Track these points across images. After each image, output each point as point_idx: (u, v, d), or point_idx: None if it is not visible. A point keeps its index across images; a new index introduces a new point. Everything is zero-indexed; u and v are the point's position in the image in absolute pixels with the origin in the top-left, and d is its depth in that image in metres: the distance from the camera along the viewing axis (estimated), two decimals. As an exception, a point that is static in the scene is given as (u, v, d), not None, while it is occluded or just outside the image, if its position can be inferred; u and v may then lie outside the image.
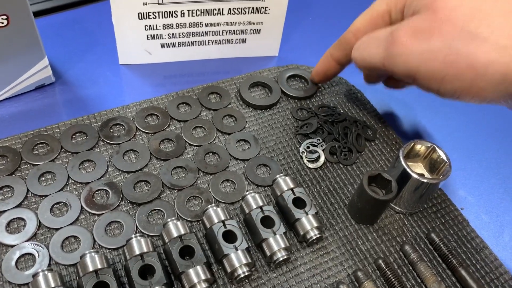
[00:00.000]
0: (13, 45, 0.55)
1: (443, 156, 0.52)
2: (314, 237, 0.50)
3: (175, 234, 0.47)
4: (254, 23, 0.67)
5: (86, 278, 0.43)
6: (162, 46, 0.66)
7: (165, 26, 0.64)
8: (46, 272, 0.43)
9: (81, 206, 0.51)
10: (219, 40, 0.68)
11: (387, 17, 0.50)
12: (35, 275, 0.43)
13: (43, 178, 0.53)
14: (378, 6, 0.51)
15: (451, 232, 0.54)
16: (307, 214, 0.50)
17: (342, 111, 0.65)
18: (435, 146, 0.53)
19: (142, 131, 0.59)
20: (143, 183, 0.54)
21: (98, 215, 0.50)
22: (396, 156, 0.53)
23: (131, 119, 0.60)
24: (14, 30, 0.53)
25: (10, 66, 0.57)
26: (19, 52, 0.56)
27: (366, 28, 0.52)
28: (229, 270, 0.46)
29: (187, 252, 0.46)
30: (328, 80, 0.64)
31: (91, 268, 0.43)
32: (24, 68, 0.59)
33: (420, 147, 0.54)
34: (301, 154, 0.59)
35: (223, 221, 0.48)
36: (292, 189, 0.51)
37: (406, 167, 0.50)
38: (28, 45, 0.56)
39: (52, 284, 0.42)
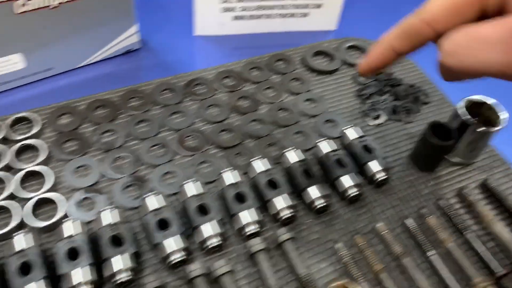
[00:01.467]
0: (110, 10, 0.63)
1: (497, 110, 0.57)
2: (381, 179, 0.55)
3: (261, 170, 0.53)
4: (316, -2, 0.74)
5: (190, 200, 0.50)
6: (234, 18, 0.74)
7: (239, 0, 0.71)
8: (153, 195, 0.50)
9: (175, 148, 0.58)
10: (284, 13, 0.75)
11: (477, 5, 0.38)
12: (145, 197, 0.50)
13: (140, 125, 0.60)
14: None
15: (503, 181, 0.59)
16: (375, 158, 0.56)
17: (399, 77, 0.71)
18: (488, 101, 0.58)
19: (221, 90, 0.66)
20: (227, 131, 0.61)
21: (191, 156, 0.57)
22: (454, 110, 0.58)
23: (211, 80, 0.67)
24: (114, -3, 0.61)
25: (105, 30, 0.65)
26: (114, 17, 0.64)
27: (447, 18, 0.40)
28: (309, 200, 0.52)
29: (272, 184, 0.53)
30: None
31: (191, 193, 0.50)
32: (117, 33, 0.66)
33: (476, 102, 0.59)
34: (364, 112, 0.65)
35: (301, 161, 0.55)
36: (361, 137, 0.58)
37: (463, 117, 0.56)
38: (123, 11, 0.64)
39: (159, 204, 0.49)
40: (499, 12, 0.37)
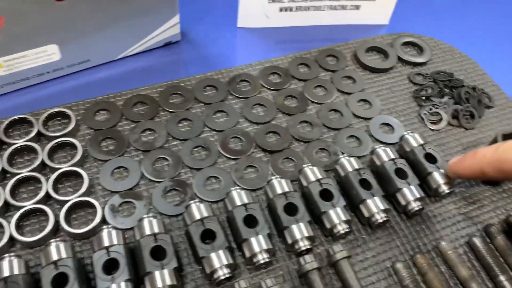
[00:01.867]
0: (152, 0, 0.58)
1: None
2: (446, 191, 0.50)
3: (313, 178, 0.49)
4: (370, -11, 0.68)
5: (237, 210, 0.45)
6: (281, 10, 0.69)
7: (287, -11, 0.66)
8: (198, 203, 0.46)
9: (219, 150, 0.53)
10: (334, 5, 0.70)
11: None
12: (188, 206, 0.46)
13: (181, 124, 0.56)
14: None
15: None
16: (439, 168, 0.50)
17: (459, 77, 0.65)
18: None
19: (267, 88, 0.61)
20: (273, 134, 0.56)
21: (235, 159, 0.53)
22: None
23: (255, 76, 0.62)
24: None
25: (145, 20, 0.61)
26: (156, 7, 0.60)
27: None
28: (366, 215, 0.47)
29: (325, 195, 0.48)
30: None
31: (239, 202, 0.46)
32: (157, 24, 0.62)
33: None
34: (422, 116, 0.59)
35: (357, 170, 0.50)
36: (422, 145, 0.52)
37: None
38: (166, 0, 0.60)
39: (205, 214, 0.45)
40: None
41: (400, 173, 0.50)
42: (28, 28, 0.53)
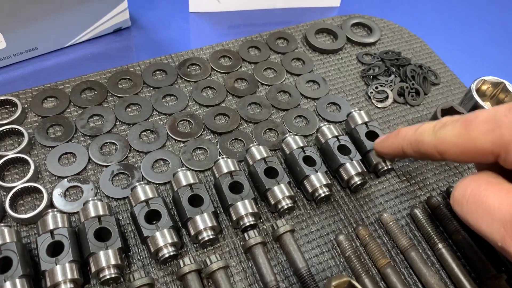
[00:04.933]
0: (98, -15, 0.58)
1: (514, 91, 0.53)
2: (386, 168, 0.52)
3: (258, 157, 0.50)
4: (319, -28, 0.69)
5: (182, 190, 0.46)
6: (231, -7, 0.69)
7: (236, -27, 0.66)
8: (143, 184, 0.46)
9: (167, 133, 0.54)
10: (285, -11, 0.71)
11: (491, 158, 0.36)
12: (133, 188, 0.47)
13: (130, 109, 0.56)
14: (480, 140, 0.36)
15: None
16: (380, 145, 0.52)
17: (407, 56, 0.67)
18: (504, 82, 0.54)
19: (217, 71, 0.62)
20: (222, 116, 0.57)
21: (184, 142, 0.54)
22: (466, 91, 0.54)
23: (206, 60, 0.62)
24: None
25: (93, 7, 0.60)
26: (103, -7, 0.60)
27: (457, 155, 0.39)
28: (310, 190, 0.49)
29: (270, 173, 0.49)
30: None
31: (184, 183, 0.47)
32: (105, 10, 0.62)
33: (489, 84, 0.55)
34: (369, 94, 0.61)
35: (302, 147, 0.51)
36: (366, 123, 0.54)
37: (477, 100, 0.52)
38: (111, -13, 0.60)
39: (150, 195, 0.46)
40: None
41: (343, 149, 0.51)
42: (-32, 16, 0.52)
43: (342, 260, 0.47)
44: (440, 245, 0.47)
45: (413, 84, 0.61)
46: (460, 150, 0.38)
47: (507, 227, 0.32)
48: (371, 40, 0.68)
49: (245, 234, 0.45)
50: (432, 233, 0.48)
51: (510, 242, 0.32)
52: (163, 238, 0.43)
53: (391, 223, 0.49)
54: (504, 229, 0.32)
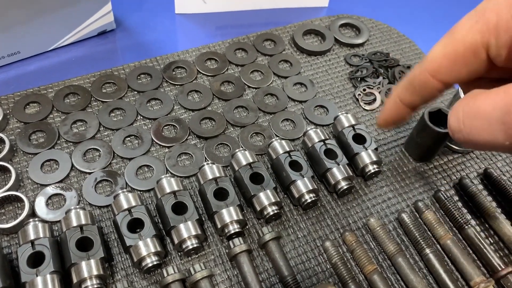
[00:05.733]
0: (81, -12, 0.57)
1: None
2: (373, 171, 0.51)
3: (244, 162, 0.49)
4: (307, -28, 0.68)
5: (166, 198, 0.45)
6: (217, -6, 0.68)
7: (222, -26, 0.65)
8: (126, 192, 0.46)
9: (152, 139, 0.53)
10: (272, -11, 0.70)
11: (483, 52, 0.34)
12: (116, 196, 0.46)
13: (114, 114, 0.55)
14: (467, 37, 0.34)
15: (508, 169, 0.55)
16: (366, 149, 0.52)
17: (395, 57, 0.66)
18: (493, 84, 0.53)
19: (203, 74, 0.61)
20: (208, 120, 0.56)
21: (168, 147, 0.53)
22: (455, 93, 0.54)
23: (192, 62, 0.62)
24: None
25: (76, 10, 0.59)
26: (86, -4, 0.58)
27: (450, 68, 0.36)
28: (296, 195, 0.48)
29: (255, 179, 0.48)
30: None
31: (168, 190, 0.46)
32: (89, 13, 0.61)
33: (479, 86, 0.54)
34: (357, 96, 0.60)
35: (288, 152, 0.50)
36: (353, 126, 0.53)
37: (466, 103, 0.51)
38: (94, -11, 0.58)
39: (133, 203, 0.45)
40: None
41: (330, 153, 0.51)
42: None
43: (328, 266, 0.46)
44: (427, 250, 0.47)
45: (401, 86, 0.61)
46: (452, 59, 0.35)
47: (506, 120, 0.30)
48: (359, 41, 0.67)
49: (230, 242, 0.45)
50: (419, 238, 0.48)
51: None
52: (146, 247, 0.43)
53: (378, 228, 0.48)
54: (504, 124, 0.31)
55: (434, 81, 0.37)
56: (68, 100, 0.56)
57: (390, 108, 0.43)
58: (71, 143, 0.52)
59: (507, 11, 0.31)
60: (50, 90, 0.56)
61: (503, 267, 0.46)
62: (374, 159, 0.51)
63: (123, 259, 0.45)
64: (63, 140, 0.52)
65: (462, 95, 0.52)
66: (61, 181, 0.49)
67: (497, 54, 0.33)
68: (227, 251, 0.46)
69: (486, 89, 0.32)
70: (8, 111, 0.54)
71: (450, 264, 0.47)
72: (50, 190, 0.48)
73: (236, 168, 0.49)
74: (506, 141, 0.30)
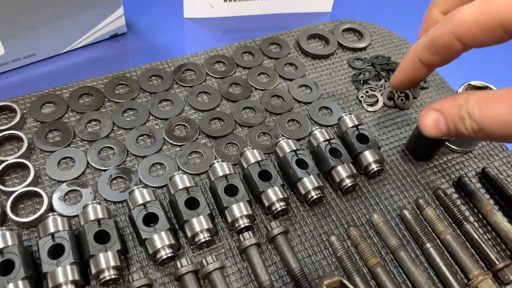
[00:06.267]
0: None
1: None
2: (376, 169, 0.53)
3: (252, 160, 0.51)
4: (311, -22, 0.71)
5: (179, 193, 0.48)
6: (225, 0, 0.70)
7: (229, -20, 0.68)
8: (141, 188, 0.48)
9: (164, 138, 0.55)
10: (277, -5, 0.72)
11: (509, 27, 0.35)
12: (131, 191, 0.48)
13: (127, 114, 0.58)
14: (503, 13, 0.35)
15: (505, 168, 0.58)
16: (369, 148, 0.54)
17: (396, 61, 0.68)
18: (490, 86, 0.56)
19: (212, 76, 0.63)
20: (217, 120, 0.58)
21: (180, 146, 0.55)
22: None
23: (201, 65, 0.64)
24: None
25: (89, 14, 0.62)
26: (99, 1, 0.61)
27: (478, 35, 0.37)
28: (303, 192, 0.50)
29: (264, 176, 0.51)
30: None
31: (181, 186, 0.48)
32: (101, 17, 0.63)
33: (475, 88, 0.57)
34: (360, 98, 0.63)
35: (295, 151, 0.52)
36: (356, 126, 0.55)
37: (465, 104, 0.53)
38: (108, -6, 0.61)
39: (148, 198, 0.47)
40: None
41: (335, 152, 0.53)
42: (-32, 24, 0.53)
43: (334, 260, 0.48)
44: (428, 245, 0.49)
45: (402, 88, 0.63)
46: (482, 28, 0.36)
47: None
48: (362, 45, 0.69)
49: (240, 236, 0.47)
50: (420, 233, 0.50)
51: None
52: (161, 240, 0.45)
53: (381, 223, 0.51)
54: None
55: (459, 44, 0.38)
56: (82, 101, 0.58)
57: (408, 67, 0.43)
58: (86, 142, 0.54)
59: None
60: (64, 91, 0.59)
61: (500, 261, 0.48)
62: (377, 158, 0.54)
63: (138, 252, 0.47)
64: (78, 138, 0.54)
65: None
66: (77, 178, 0.51)
67: None
68: (237, 244, 0.48)
69: (492, 92, 0.36)
70: (25, 111, 0.56)
71: (449, 258, 0.49)
72: (67, 186, 0.50)
73: (245, 165, 0.51)
74: None
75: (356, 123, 0.56)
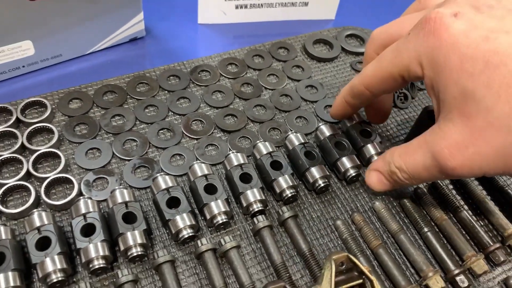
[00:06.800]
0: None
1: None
2: (379, 161, 0.58)
3: (264, 152, 0.56)
4: (316, -12, 0.76)
5: (198, 180, 0.52)
6: (237, 7, 0.76)
7: (241, -12, 0.73)
8: (164, 175, 0.52)
9: (182, 131, 0.60)
10: (285, 3, 0.78)
11: (400, 79, 0.46)
12: (154, 178, 0.52)
13: (148, 110, 0.62)
14: (390, 68, 0.46)
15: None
16: (372, 142, 0.58)
17: (395, 64, 0.74)
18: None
19: (225, 76, 0.68)
20: (231, 116, 0.63)
21: (197, 139, 0.60)
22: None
23: (215, 66, 0.69)
24: (122, -15, 0.63)
25: (112, 18, 0.67)
26: (121, 6, 0.66)
27: (378, 86, 0.49)
28: (311, 181, 0.55)
29: (275, 166, 0.55)
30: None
31: (200, 174, 0.53)
32: (123, 21, 0.68)
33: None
34: (362, 97, 0.68)
35: (303, 143, 0.57)
36: (360, 122, 0.60)
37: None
38: (130, 0, 0.66)
39: (170, 183, 0.52)
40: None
41: (340, 145, 0.58)
42: (4, 26, 0.58)
43: (339, 242, 0.53)
44: (425, 229, 0.53)
45: (401, 89, 0.68)
46: (379, 80, 0.48)
47: (434, 164, 0.43)
48: (363, 49, 0.75)
49: (255, 219, 0.51)
50: (419, 219, 0.54)
51: (446, 166, 0.41)
52: (183, 221, 0.49)
53: (382, 210, 0.55)
54: (432, 167, 0.43)
55: (367, 92, 0.50)
56: (106, 97, 0.63)
57: (338, 106, 0.57)
58: (111, 134, 0.59)
59: (414, 58, 0.42)
60: (89, 89, 0.63)
61: (492, 244, 0.53)
62: (379, 150, 0.58)
63: (160, 233, 0.51)
64: (103, 131, 0.59)
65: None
66: (103, 167, 0.56)
67: (410, 79, 0.45)
68: (251, 227, 0.52)
69: (408, 145, 0.47)
70: (53, 106, 0.61)
71: (445, 241, 0.54)
72: (94, 174, 0.55)
73: (258, 156, 0.56)
74: (436, 172, 0.43)
75: (358, 120, 0.60)
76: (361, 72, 0.50)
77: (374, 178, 0.51)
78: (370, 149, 0.58)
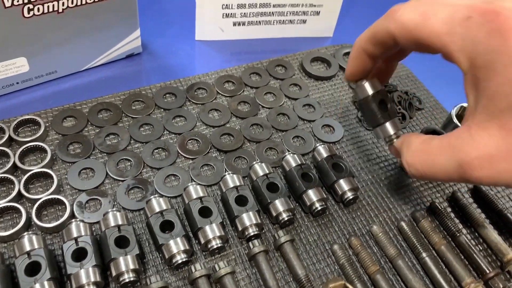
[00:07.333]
0: (115, 15, 0.64)
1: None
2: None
3: (261, 173, 0.55)
4: (315, 5, 0.76)
5: (193, 203, 0.51)
6: (234, 24, 0.75)
7: (239, 6, 0.72)
8: (157, 197, 0.51)
9: (177, 151, 0.59)
10: (283, 20, 0.77)
11: (433, 51, 0.42)
12: (148, 200, 0.51)
13: (143, 128, 0.61)
14: (380, 32, 0.45)
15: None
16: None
17: (393, 83, 0.73)
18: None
19: (222, 94, 0.67)
20: (227, 135, 0.62)
21: (192, 159, 0.59)
22: (448, 116, 0.61)
23: (211, 84, 0.68)
24: (118, 2, 0.62)
25: (108, 35, 0.66)
26: (118, 22, 0.65)
27: (373, 46, 0.47)
28: (308, 203, 0.54)
29: (271, 188, 0.54)
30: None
31: (195, 196, 0.52)
32: (119, 37, 0.68)
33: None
34: (359, 117, 0.67)
35: (300, 165, 0.56)
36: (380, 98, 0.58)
37: (457, 124, 0.58)
38: (127, 17, 0.65)
39: (164, 206, 0.51)
40: None
41: (337, 167, 0.57)
42: (-2, 42, 0.57)
43: (336, 267, 0.52)
44: (424, 254, 0.53)
45: (399, 109, 0.68)
46: (373, 42, 0.46)
47: (460, 170, 0.38)
48: (361, 68, 0.74)
49: (250, 243, 0.50)
50: (417, 244, 0.53)
51: (471, 175, 0.38)
52: (176, 245, 0.48)
53: (380, 234, 0.54)
54: (456, 174, 0.39)
55: (391, 42, 0.44)
56: (101, 115, 0.62)
57: (355, 59, 0.49)
58: (105, 154, 0.58)
59: (465, 51, 0.38)
60: (84, 106, 0.63)
61: (491, 270, 0.52)
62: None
63: (153, 257, 0.50)
64: (97, 150, 0.58)
65: (455, 119, 0.59)
66: (96, 188, 0.55)
67: (443, 57, 0.41)
68: (246, 251, 0.51)
69: (425, 145, 0.42)
70: (47, 124, 0.60)
71: (444, 267, 0.53)
72: (87, 195, 0.54)
73: (254, 178, 0.55)
74: (458, 178, 0.39)
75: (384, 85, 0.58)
76: (391, 13, 0.43)
77: (435, 173, 0.43)
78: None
